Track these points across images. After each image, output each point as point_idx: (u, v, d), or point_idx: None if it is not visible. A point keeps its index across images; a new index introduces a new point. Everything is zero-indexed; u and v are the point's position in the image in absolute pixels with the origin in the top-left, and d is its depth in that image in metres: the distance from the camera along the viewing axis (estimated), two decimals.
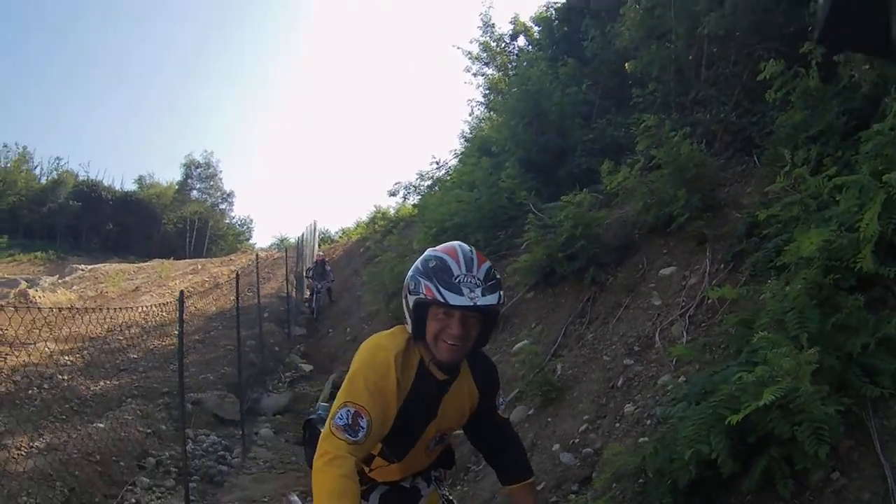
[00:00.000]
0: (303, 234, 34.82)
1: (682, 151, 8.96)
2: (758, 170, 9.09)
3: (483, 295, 2.96)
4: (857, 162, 5.80)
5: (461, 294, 2.94)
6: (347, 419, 2.86)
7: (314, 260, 27.17)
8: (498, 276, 3.11)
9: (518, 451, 3.54)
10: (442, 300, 2.93)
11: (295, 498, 3.79)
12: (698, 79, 11.43)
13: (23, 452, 9.07)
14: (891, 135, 5.28)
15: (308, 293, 26.67)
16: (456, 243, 3.18)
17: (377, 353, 3.04)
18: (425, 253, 3.16)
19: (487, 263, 3.09)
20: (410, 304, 3.06)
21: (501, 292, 3.08)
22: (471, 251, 3.11)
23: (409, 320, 3.12)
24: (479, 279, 3.00)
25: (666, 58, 11.87)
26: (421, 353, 3.16)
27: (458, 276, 2.98)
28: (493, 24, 27.66)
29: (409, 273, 3.11)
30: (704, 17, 10.59)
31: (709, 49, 11.33)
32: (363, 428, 2.86)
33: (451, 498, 3.76)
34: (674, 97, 11.75)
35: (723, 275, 7.58)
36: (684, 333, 7.13)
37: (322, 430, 2.94)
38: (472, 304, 2.94)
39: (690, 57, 11.73)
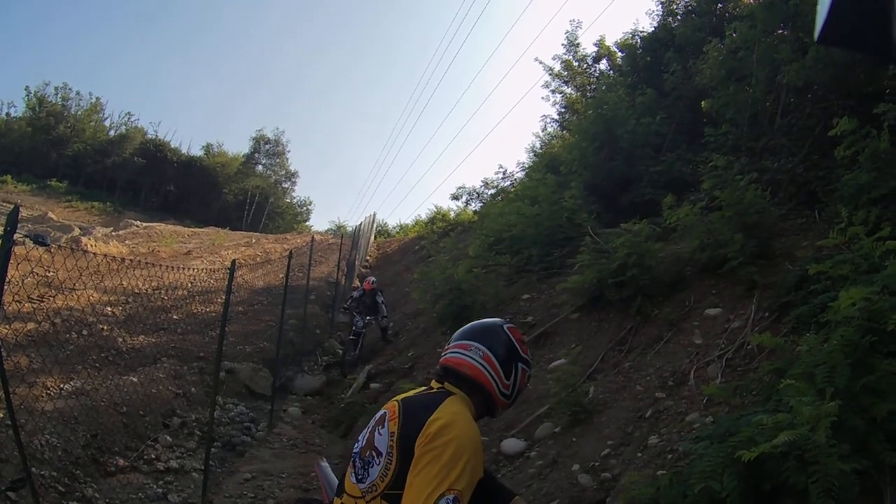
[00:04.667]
0: (360, 224, 35.02)
1: (745, 196, 9.01)
2: (817, 225, 9.11)
3: None
4: None
5: None
6: None
7: (362, 287, 18.75)
8: None
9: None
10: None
11: (325, 463, 3.87)
12: (772, 126, 11.43)
13: (51, 393, 9.34)
14: None
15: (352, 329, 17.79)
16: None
17: (476, 437, 2.95)
18: (515, 336, 3.29)
19: None
20: (522, 372, 3.24)
21: None
22: None
23: (513, 381, 3.22)
24: None
25: (743, 101, 11.90)
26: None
27: None
28: (578, 43, 27.60)
29: (516, 350, 3.24)
30: (785, 66, 10.61)
31: (786, 98, 11.33)
32: None
33: None
34: (745, 141, 11.77)
35: (766, 323, 7.60)
36: (719, 375, 7.16)
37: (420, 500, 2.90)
38: None
39: (768, 104, 11.74)
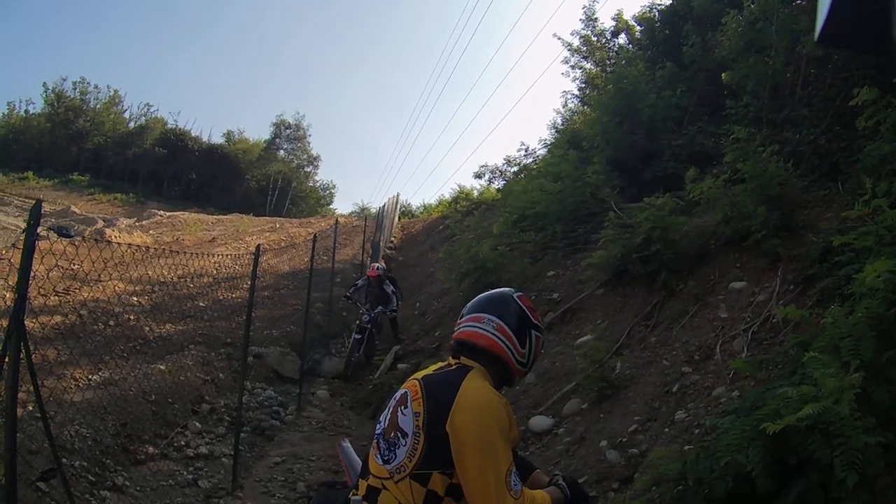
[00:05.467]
0: (384, 206, 34.98)
1: (768, 168, 8.95)
2: (840, 196, 9.03)
3: None
4: None
5: None
6: (517, 478, 2.91)
7: (366, 274, 17.10)
8: None
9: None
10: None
11: (347, 443, 3.89)
12: (793, 97, 11.34)
13: (80, 384, 9.46)
14: None
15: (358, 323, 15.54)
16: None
17: (500, 407, 2.98)
18: (525, 304, 3.31)
19: None
20: (535, 339, 3.27)
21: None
22: None
23: (528, 349, 3.24)
24: None
25: (763, 72, 11.80)
26: None
27: None
28: (596, 18, 27.45)
29: (528, 318, 3.26)
30: (805, 37, 10.52)
31: (806, 69, 11.25)
32: (518, 480, 2.90)
33: None
34: (766, 113, 11.68)
35: (791, 295, 7.57)
36: (745, 348, 7.14)
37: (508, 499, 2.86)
38: None
39: (788, 75, 11.66)
